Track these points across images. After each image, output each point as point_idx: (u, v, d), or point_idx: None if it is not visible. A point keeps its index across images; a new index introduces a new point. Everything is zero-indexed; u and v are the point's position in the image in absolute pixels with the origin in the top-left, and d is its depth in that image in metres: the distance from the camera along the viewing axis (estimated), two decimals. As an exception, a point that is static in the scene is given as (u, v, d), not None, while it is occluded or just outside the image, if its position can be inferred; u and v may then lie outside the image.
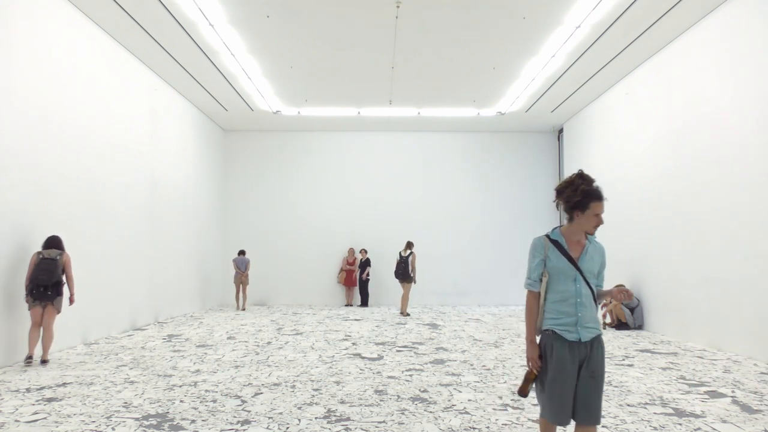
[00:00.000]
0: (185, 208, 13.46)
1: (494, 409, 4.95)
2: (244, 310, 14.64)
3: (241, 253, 15.03)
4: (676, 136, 9.85)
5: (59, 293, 7.04)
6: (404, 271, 13.21)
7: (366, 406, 5.04)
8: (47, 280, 6.89)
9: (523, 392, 3.10)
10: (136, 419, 4.60)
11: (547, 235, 3.13)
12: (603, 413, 3.79)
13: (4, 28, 7.02)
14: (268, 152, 16.84)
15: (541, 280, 3.09)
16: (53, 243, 7.24)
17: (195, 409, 4.94)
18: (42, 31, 7.80)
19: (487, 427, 4.40)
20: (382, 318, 12.74)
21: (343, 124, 16.23)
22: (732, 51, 8.30)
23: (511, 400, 5.26)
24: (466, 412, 4.82)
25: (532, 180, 16.82)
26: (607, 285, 3.41)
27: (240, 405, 5.07)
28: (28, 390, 5.64)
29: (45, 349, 7.05)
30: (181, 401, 5.19)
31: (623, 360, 7.49)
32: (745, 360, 7.51)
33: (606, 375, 5.44)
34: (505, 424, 4.47)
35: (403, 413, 4.80)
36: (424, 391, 5.62)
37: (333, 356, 7.63)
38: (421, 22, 9.36)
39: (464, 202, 16.80)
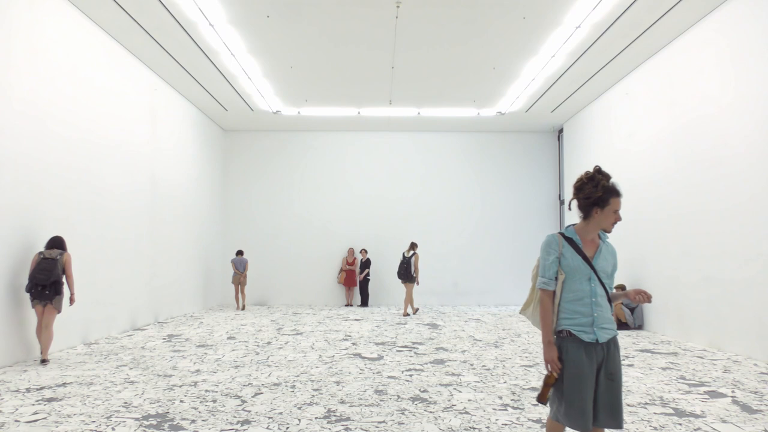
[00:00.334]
0: (185, 208, 13.46)
1: (494, 409, 4.94)
2: (243, 308, 14.65)
3: (239, 253, 15.03)
4: (676, 136, 9.86)
5: (57, 292, 7.04)
6: (407, 272, 13.23)
7: (366, 406, 5.04)
8: (45, 280, 6.91)
9: (542, 399, 2.91)
10: (136, 419, 4.60)
11: (561, 233, 3.05)
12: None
13: (4, 28, 7.02)
14: (268, 152, 16.83)
15: (555, 279, 2.99)
16: (55, 243, 7.30)
17: (195, 409, 4.94)
18: (42, 31, 7.80)
19: (487, 427, 4.40)
20: (382, 318, 12.75)
21: (343, 124, 16.23)
22: (732, 51, 8.30)
23: (511, 400, 5.26)
24: (466, 412, 4.82)
25: (532, 180, 16.82)
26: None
27: (240, 405, 5.07)
28: (28, 390, 5.65)
29: (45, 348, 7.05)
30: (181, 401, 5.19)
31: (623, 360, 7.49)
32: (745, 360, 7.51)
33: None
34: (505, 424, 4.47)
35: (403, 413, 4.80)
36: (424, 391, 5.62)
37: (333, 356, 7.63)
38: (421, 22, 9.36)
39: (464, 202, 16.80)
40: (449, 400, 5.23)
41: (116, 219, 9.87)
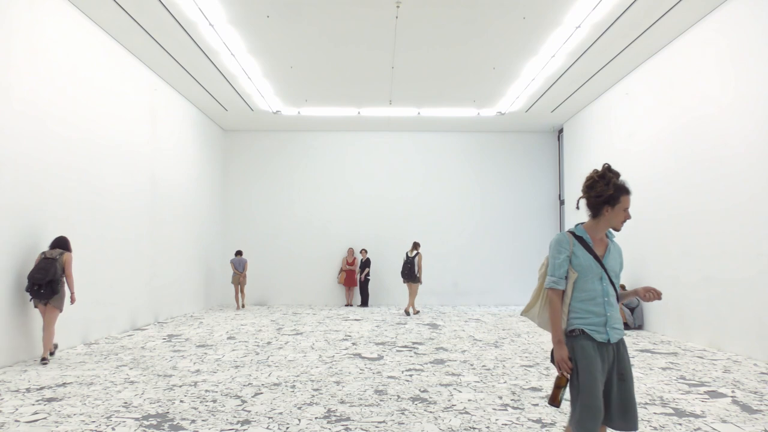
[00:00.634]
0: (185, 208, 13.46)
1: (494, 409, 4.94)
2: (243, 307, 14.67)
3: (239, 253, 15.04)
4: (676, 136, 9.86)
5: (54, 291, 7.03)
6: (410, 272, 13.24)
7: (366, 406, 5.04)
8: (41, 279, 6.93)
9: (554, 401, 2.81)
10: (136, 419, 4.60)
11: (571, 232, 3.00)
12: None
13: (4, 28, 7.02)
14: (268, 152, 16.84)
15: (566, 278, 2.93)
16: (59, 243, 7.34)
17: (195, 409, 4.94)
18: (42, 31, 7.80)
19: (487, 427, 4.40)
20: (382, 318, 12.74)
21: (343, 124, 16.23)
22: (732, 51, 8.30)
23: (511, 400, 5.26)
24: (466, 412, 4.82)
25: (532, 180, 16.82)
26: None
27: (240, 405, 5.07)
28: (28, 390, 5.65)
29: (45, 348, 7.05)
30: (181, 401, 5.19)
31: (623, 360, 7.48)
32: (745, 360, 7.51)
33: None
34: (505, 424, 4.47)
35: (403, 413, 4.80)
36: (424, 391, 5.62)
37: (333, 356, 7.63)
38: (421, 22, 9.36)
39: (464, 202, 16.80)
40: (449, 400, 5.23)
41: (116, 219, 9.86)
